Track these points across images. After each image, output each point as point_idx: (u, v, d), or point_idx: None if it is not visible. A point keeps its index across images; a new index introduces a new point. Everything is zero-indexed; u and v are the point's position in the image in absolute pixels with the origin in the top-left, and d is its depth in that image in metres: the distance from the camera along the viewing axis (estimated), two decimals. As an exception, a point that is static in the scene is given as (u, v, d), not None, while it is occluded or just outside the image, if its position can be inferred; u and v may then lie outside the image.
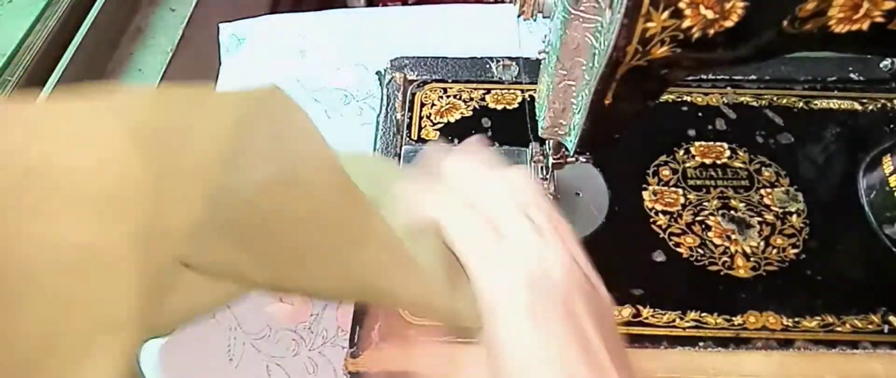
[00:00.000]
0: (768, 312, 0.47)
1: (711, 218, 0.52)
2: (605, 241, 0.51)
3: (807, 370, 0.46)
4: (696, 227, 0.52)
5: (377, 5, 1.44)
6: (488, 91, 0.62)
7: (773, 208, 0.53)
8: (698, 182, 0.54)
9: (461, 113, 0.60)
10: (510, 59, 0.64)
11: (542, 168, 0.51)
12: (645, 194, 0.54)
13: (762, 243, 0.51)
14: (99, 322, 0.18)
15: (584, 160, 0.48)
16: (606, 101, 0.35)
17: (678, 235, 0.51)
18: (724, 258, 0.50)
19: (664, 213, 0.53)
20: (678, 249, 0.51)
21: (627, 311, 0.48)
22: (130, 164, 0.19)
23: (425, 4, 0.75)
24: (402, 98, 0.62)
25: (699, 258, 0.50)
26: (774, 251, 0.50)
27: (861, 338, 0.46)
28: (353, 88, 0.66)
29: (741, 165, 0.55)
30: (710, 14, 0.28)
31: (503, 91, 0.62)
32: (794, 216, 0.52)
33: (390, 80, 0.63)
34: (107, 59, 0.84)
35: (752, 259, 0.50)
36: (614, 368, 0.24)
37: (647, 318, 0.48)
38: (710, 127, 0.58)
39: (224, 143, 0.22)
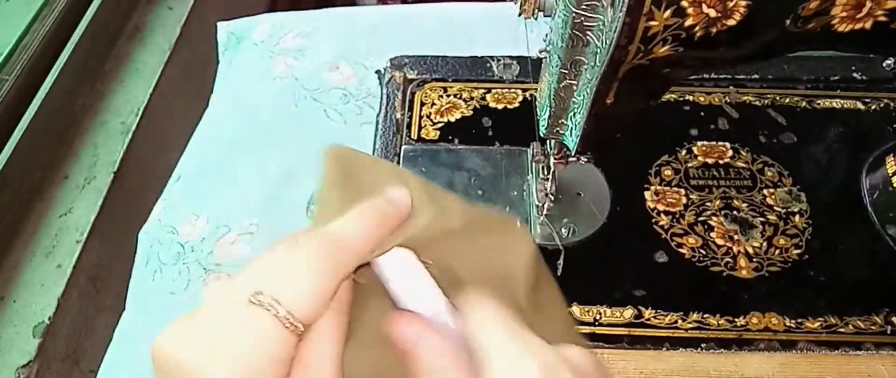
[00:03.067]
0: (771, 313, 0.47)
1: (714, 218, 0.52)
2: (607, 241, 0.51)
3: (809, 371, 0.45)
4: (699, 228, 0.51)
5: (378, 3, 1.44)
6: (489, 90, 0.61)
7: (775, 208, 0.52)
8: (700, 182, 0.54)
9: (461, 112, 0.60)
10: (511, 58, 0.64)
11: (543, 168, 0.50)
12: (647, 194, 0.53)
13: (765, 244, 0.50)
14: None
15: (586, 160, 0.47)
16: (608, 101, 0.34)
17: (680, 236, 0.51)
18: (727, 259, 0.50)
19: (666, 213, 0.52)
20: (680, 250, 0.50)
21: (629, 313, 0.47)
22: None
23: (425, 3, 0.75)
24: (402, 97, 0.61)
25: (701, 259, 0.50)
26: (777, 252, 0.50)
27: (864, 339, 0.46)
28: (353, 87, 0.66)
29: (744, 165, 0.55)
30: (712, 13, 0.28)
31: (504, 90, 0.61)
32: (797, 216, 0.52)
33: (390, 79, 0.63)
34: (104, 57, 0.84)
35: (754, 260, 0.50)
36: None
37: (649, 319, 0.47)
38: (712, 126, 0.57)
39: None
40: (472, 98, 0.61)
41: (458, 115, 0.60)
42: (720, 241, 0.51)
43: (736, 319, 0.47)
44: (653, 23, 0.28)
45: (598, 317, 0.47)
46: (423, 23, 0.72)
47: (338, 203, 0.27)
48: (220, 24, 0.73)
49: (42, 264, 0.66)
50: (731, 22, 0.28)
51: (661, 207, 0.53)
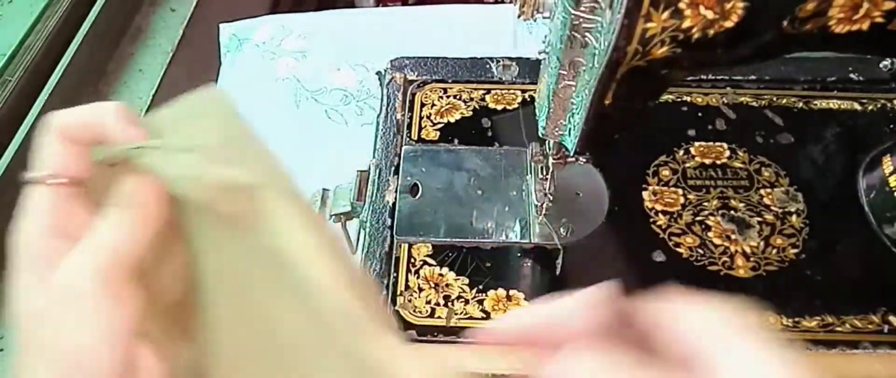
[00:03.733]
0: (768, 312, 0.48)
1: (711, 218, 0.52)
2: (605, 241, 0.51)
3: (806, 370, 0.46)
4: (696, 228, 0.52)
5: (378, 5, 1.44)
6: (488, 91, 0.62)
7: (772, 208, 0.53)
8: (698, 182, 0.54)
9: (461, 113, 0.60)
10: (510, 59, 0.64)
11: (541, 168, 0.51)
12: (644, 194, 0.54)
13: (762, 243, 0.51)
14: None
15: (584, 160, 0.48)
16: (606, 102, 0.35)
17: (678, 235, 0.51)
18: (724, 258, 0.50)
19: (664, 213, 0.53)
20: (678, 249, 0.51)
21: (627, 311, 0.48)
22: None
23: (425, 5, 0.75)
24: (403, 98, 0.62)
25: (699, 258, 0.50)
26: (774, 251, 0.50)
27: (861, 338, 0.46)
28: (354, 88, 0.66)
29: (741, 165, 0.55)
30: (710, 14, 0.28)
31: (503, 91, 0.62)
32: (794, 216, 0.52)
33: (390, 81, 0.63)
34: (107, 59, 0.84)
35: (751, 259, 0.50)
36: None
37: (646, 318, 0.48)
38: (709, 127, 0.58)
39: None
40: (471, 99, 0.61)
41: (457, 116, 0.60)
42: (718, 241, 0.51)
43: (733, 318, 0.47)
44: (651, 24, 0.29)
45: (596, 315, 0.48)
46: (424, 24, 0.72)
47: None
48: (222, 26, 0.74)
49: (45, 264, 0.66)
50: (729, 23, 0.29)
51: (658, 207, 0.53)
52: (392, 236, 0.52)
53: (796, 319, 0.47)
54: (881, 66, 0.62)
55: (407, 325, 0.47)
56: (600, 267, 0.51)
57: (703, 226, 0.52)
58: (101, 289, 0.22)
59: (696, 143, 0.57)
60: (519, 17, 0.36)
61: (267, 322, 0.24)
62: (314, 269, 0.23)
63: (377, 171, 0.56)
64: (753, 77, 0.61)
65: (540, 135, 0.44)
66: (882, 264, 0.50)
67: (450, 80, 0.63)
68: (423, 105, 0.61)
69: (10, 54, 0.73)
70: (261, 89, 0.67)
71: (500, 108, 0.61)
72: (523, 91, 0.62)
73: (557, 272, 0.50)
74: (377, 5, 1.44)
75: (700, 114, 0.59)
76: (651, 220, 0.52)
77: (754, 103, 0.60)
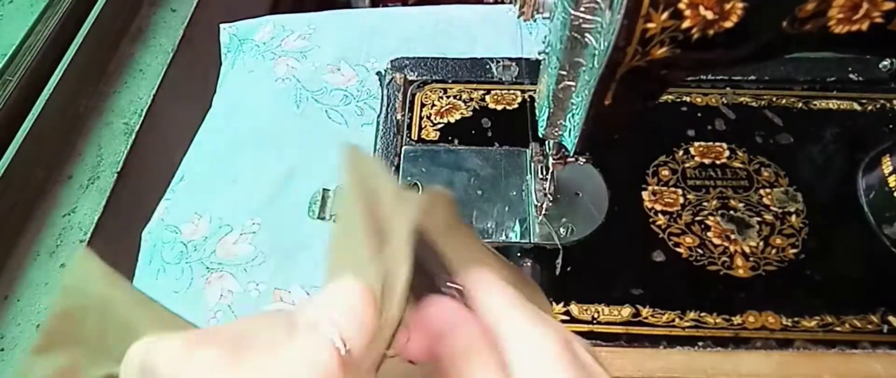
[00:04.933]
0: (767, 312, 0.48)
1: (711, 218, 0.52)
2: (605, 241, 0.51)
3: (806, 370, 0.46)
4: (696, 227, 0.52)
5: (378, 5, 1.44)
6: (488, 91, 0.62)
7: (772, 208, 0.53)
8: (697, 182, 0.54)
9: (461, 113, 0.60)
10: (510, 59, 0.64)
11: (542, 168, 0.51)
12: (644, 194, 0.54)
13: (761, 243, 0.51)
14: None
15: (584, 160, 0.48)
16: (606, 102, 0.35)
17: (677, 235, 0.51)
18: (724, 258, 0.50)
19: (663, 213, 0.53)
20: (678, 249, 0.51)
21: (627, 311, 0.48)
22: None
23: (426, 5, 0.75)
24: (403, 98, 0.62)
25: (698, 258, 0.50)
26: (774, 251, 0.50)
27: (860, 338, 0.47)
28: (354, 89, 0.67)
29: (740, 165, 0.55)
30: (709, 15, 0.28)
31: (503, 91, 0.62)
32: (794, 216, 0.52)
33: (390, 81, 0.63)
34: (107, 59, 0.84)
35: (751, 259, 0.50)
36: None
37: (646, 317, 0.48)
38: (709, 127, 0.58)
39: None
40: (471, 99, 0.61)
41: (457, 116, 0.60)
42: (717, 241, 0.51)
43: (733, 318, 0.47)
44: (650, 25, 0.29)
45: (596, 315, 0.48)
46: (424, 25, 0.72)
47: (360, 225, 0.25)
48: (222, 26, 0.74)
49: (46, 263, 0.66)
50: (728, 24, 0.29)
51: (658, 207, 0.53)
52: (392, 236, 0.52)
53: (796, 319, 0.47)
54: (880, 66, 0.62)
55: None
56: (600, 267, 0.51)
57: (703, 226, 0.52)
58: None
59: (696, 143, 0.57)
60: (519, 17, 0.36)
61: None
62: None
63: (377, 171, 0.56)
64: (753, 77, 0.61)
65: (540, 135, 0.44)
66: (881, 264, 0.50)
67: (450, 81, 0.63)
68: (423, 105, 0.61)
69: (10, 54, 0.73)
70: (261, 89, 0.67)
71: (500, 108, 0.61)
72: (523, 91, 0.62)
73: (557, 272, 0.50)
74: (376, 5, 1.44)
75: (700, 114, 0.59)
76: (651, 219, 0.52)
77: (754, 103, 0.60)
